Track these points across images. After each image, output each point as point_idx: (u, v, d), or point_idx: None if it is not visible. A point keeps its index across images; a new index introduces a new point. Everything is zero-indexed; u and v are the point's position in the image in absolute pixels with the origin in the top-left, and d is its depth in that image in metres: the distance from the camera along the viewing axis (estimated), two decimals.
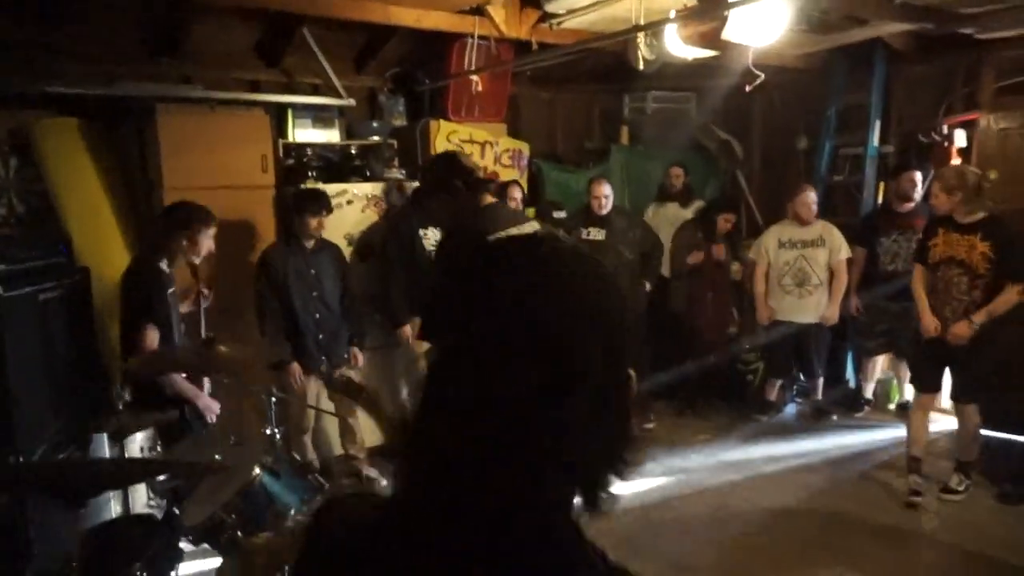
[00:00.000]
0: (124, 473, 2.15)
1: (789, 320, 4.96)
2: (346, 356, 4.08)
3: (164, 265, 3.12)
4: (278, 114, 4.73)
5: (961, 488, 3.89)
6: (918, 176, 4.74)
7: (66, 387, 3.01)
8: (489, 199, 2.80)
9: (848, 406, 5.22)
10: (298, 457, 2.68)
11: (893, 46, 5.09)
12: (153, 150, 4.05)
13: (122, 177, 4.18)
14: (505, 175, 5.39)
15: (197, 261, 3.21)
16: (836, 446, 4.66)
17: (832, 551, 3.43)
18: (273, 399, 2.76)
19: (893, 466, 4.27)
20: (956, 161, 4.75)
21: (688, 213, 5.53)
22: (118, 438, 2.48)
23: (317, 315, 3.94)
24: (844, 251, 4.85)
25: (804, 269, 4.89)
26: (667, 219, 5.51)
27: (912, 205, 4.74)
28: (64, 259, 3.25)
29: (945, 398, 4.27)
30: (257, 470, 2.40)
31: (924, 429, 4.07)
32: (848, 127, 5.63)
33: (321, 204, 3.91)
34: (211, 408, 3.05)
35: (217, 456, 2.49)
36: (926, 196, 4.42)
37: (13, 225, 3.94)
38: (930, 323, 3.77)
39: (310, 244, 3.94)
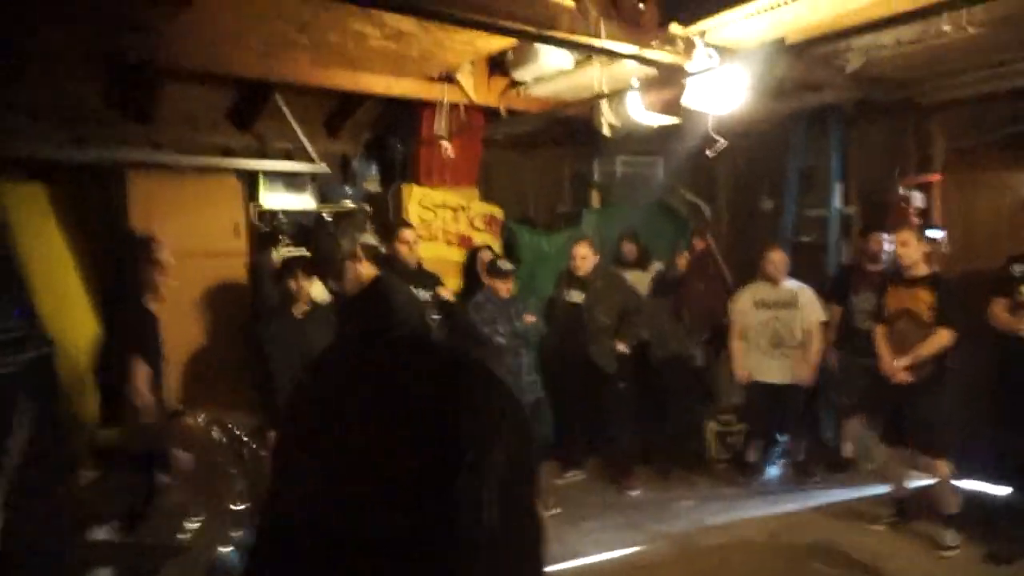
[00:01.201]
0: (88, 558, 2.02)
1: (765, 380, 4.96)
2: None
3: (148, 303, 3.10)
4: (250, 179, 4.72)
5: (955, 544, 3.87)
6: (885, 237, 4.87)
7: (29, 464, 2.86)
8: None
9: (830, 466, 5.18)
10: None
11: (849, 111, 5.33)
12: (123, 215, 3.99)
13: (90, 244, 4.10)
14: (479, 239, 5.43)
15: (165, 279, 3.25)
16: (820, 507, 4.59)
17: None
18: (239, 473, 2.64)
19: (879, 525, 4.23)
20: (916, 221, 4.90)
21: (648, 277, 5.62)
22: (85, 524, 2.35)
23: None
24: (818, 313, 4.87)
25: (779, 331, 4.91)
26: None
27: (882, 265, 4.86)
28: (29, 330, 3.13)
29: None
30: (224, 548, 2.28)
31: (902, 476, 4.22)
32: (811, 188, 5.80)
33: (297, 264, 3.83)
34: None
35: (182, 535, 2.37)
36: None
37: None
38: (890, 364, 3.99)
39: (300, 311, 3.81)
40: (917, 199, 5.06)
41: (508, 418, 0.60)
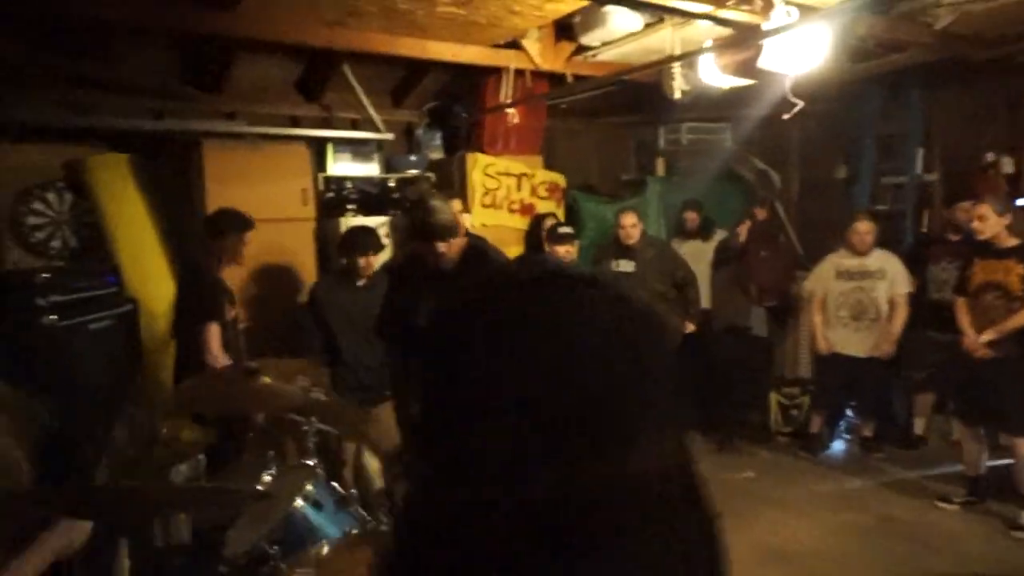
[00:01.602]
0: (170, 501, 2.15)
1: (843, 352, 4.79)
2: (387, 393, 4.03)
3: (220, 272, 3.23)
4: (318, 148, 4.83)
5: None
6: (973, 206, 4.61)
7: (116, 414, 3.06)
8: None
9: (898, 442, 5.01)
10: (340, 489, 2.65)
11: (931, 73, 5.03)
12: (198, 183, 4.16)
13: (167, 210, 4.29)
14: (542, 207, 5.41)
15: (240, 263, 3.35)
16: (888, 484, 4.47)
17: None
18: (313, 430, 2.76)
19: (951, 504, 4.10)
20: (1005, 189, 4.64)
21: (710, 247, 5.50)
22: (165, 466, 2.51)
23: (361, 350, 3.90)
24: (905, 284, 4.65)
25: (862, 301, 4.71)
26: (689, 255, 5.40)
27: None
28: (114, 290, 3.32)
29: None
30: (299, 501, 2.39)
31: (977, 454, 4.06)
32: (889, 155, 5.55)
33: (368, 244, 3.89)
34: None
35: (259, 486, 2.49)
36: None
37: (67, 257, 4.06)
38: (972, 338, 3.85)
39: (362, 282, 3.89)
40: (1007, 165, 4.77)
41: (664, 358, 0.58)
